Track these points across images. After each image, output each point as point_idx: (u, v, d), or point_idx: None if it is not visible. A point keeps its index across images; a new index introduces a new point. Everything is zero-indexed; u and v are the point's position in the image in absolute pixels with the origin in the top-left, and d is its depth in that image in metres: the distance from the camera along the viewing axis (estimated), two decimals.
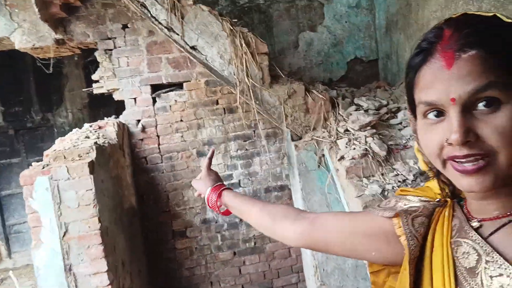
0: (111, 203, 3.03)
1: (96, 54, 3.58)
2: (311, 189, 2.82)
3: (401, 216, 0.71)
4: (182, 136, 3.64)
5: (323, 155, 2.79)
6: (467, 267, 0.58)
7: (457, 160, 0.55)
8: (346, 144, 2.60)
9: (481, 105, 0.53)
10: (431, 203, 0.73)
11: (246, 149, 3.75)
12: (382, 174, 2.32)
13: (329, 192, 2.75)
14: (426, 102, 0.57)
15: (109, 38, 3.48)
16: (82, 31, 3.44)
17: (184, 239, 3.77)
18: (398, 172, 2.29)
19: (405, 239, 0.68)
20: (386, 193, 2.17)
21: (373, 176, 2.34)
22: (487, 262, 0.56)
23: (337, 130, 2.77)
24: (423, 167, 0.74)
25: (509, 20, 0.54)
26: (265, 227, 1.00)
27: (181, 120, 3.61)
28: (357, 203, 2.21)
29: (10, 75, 5.65)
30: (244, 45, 2.77)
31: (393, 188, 2.17)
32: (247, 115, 3.56)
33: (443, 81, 0.54)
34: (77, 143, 3.07)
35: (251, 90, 2.84)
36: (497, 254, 0.55)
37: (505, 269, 0.53)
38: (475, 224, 0.62)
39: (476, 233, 0.61)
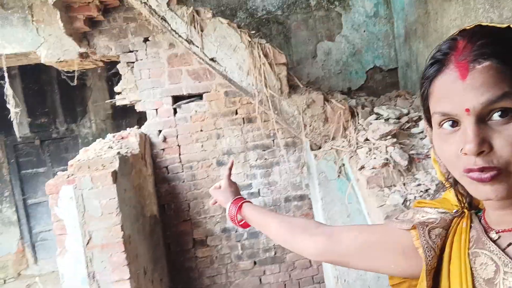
0: (133, 212, 3.09)
1: (119, 66, 3.69)
2: (331, 199, 2.82)
3: (418, 228, 0.71)
4: (202, 146, 3.69)
5: (343, 165, 2.78)
6: (485, 278, 0.58)
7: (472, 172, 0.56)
8: (367, 153, 2.59)
9: (496, 116, 0.53)
10: (449, 214, 0.73)
11: (266, 159, 3.77)
12: (404, 184, 2.30)
13: (350, 202, 2.74)
14: (441, 113, 0.58)
15: (131, 51, 3.58)
16: (105, 44, 3.54)
17: (205, 248, 3.80)
18: (420, 182, 2.27)
19: (422, 251, 0.68)
20: (408, 203, 2.14)
21: (394, 186, 2.32)
22: (505, 273, 0.56)
23: (357, 139, 2.76)
24: (440, 177, 0.74)
25: None
26: (284, 241, 1.00)
27: (201, 130, 3.67)
28: (378, 214, 2.19)
29: (36, 87, 5.86)
30: (262, 56, 2.81)
31: (415, 198, 2.14)
32: (266, 125, 3.59)
33: (457, 92, 0.55)
34: (101, 153, 3.15)
35: (269, 100, 2.86)
36: None
37: None
38: (494, 235, 0.62)
39: (494, 244, 0.61)
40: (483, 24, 0.58)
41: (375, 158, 2.44)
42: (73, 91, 5.70)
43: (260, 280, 3.84)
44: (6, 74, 3.44)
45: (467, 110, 0.54)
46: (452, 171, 0.61)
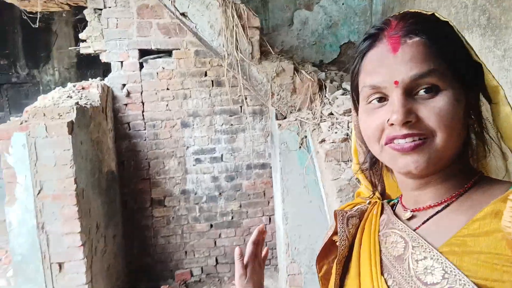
0: (89, 166, 3.01)
1: (85, 12, 3.49)
2: (290, 169, 2.83)
3: (338, 215, 0.73)
4: (167, 105, 3.60)
5: (305, 137, 2.79)
6: (396, 255, 0.60)
7: (395, 140, 0.57)
8: (329, 127, 2.60)
9: (422, 91, 0.56)
10: (363, 205, 0.76)
11: (231, 124, 3.73)
12: None
13: (308, 173, 2.77)
14: (371, 85, 0.59)
15: None
16: None
17: (162, 208, 3.79)
18: None
19: (338, 239, 0.69)
20: None
21: (351, 161, 2.35)
22: (413, 247, 0.58)
23: (321, 112, 2.76)
24: (355, 168, 0.78)
25: (445, 19, 0.59)
26: None
27: (167, 89, 3.56)
28: (332, 187, 2.22)
29: None
30: (235, 16, 2.71)
31: None
32: (235, 90, 3.53)
33: (388, 65, 0.57)
34: (59, 102, 3.01)
35: (239, 64, 2.80)
36: (423, 239, 0.57)
37: (429, 252, 0.55)
38: (407, 214, 0.64)
39: (402, 223, 0.63)
40: (412, 10, 0.61)
41: (336, 132, 2.45)
42: (37, 35, 5.38)
43: (215, 242, 3.88)
44: None
45: (396, 82, 0.56)
46: (372, 146, 0.62)
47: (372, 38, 0.61)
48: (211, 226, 3.87)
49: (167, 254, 3.84)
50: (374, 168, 0.74)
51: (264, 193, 3.86)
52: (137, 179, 3.70)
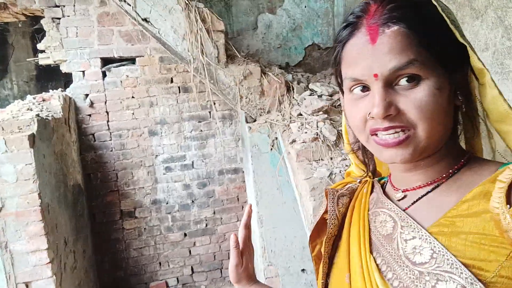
0: (53, 180, 2.89)
1: (43, 22, 3.36)
2: (262, 172, 2.82)
3: (329, 194, 0.73)
4: (133, 114, 3.51)
5: (276, 138, 2.79)
6: (385, 234, 0.60)
7: (378, 133, 0.57)
8: (299, 128, 2.61)
9: (403, 81, 0.55)
10: (354, 183, 0.76)
11: (201, 130, 3.69)
12: (331, 158, 2.35)
13: (280, 175, 2.77)
14: (352, 78, 0.58)
15: (57, 6, 3.27)
16: None
17: (133, 220, 3.68)
18: (346, 157, 2.33)
19: (328, 218, 0.70)
20: (333, 176, 2.20)
21: (322, 160, 2.37)
22: (402, 227, 0.58)
23: (290, 113, 2.77)
24: (346, 146, 0.78)
25: None
26: None
27: (133, 97, 3.48)
28: (305, 186, 2.23)
29: None
30: (199, 20, 2.69)
31: (340, 172, 2.21)
32: (203, 96, 3.49)
33: (367, 57, 0.56)
34: (18, 115, 2.88)
35: (205, 69, 2.77)
36: (411, 219, 0.58)
37: (418, 232, 0.56)
38: (399, 195, 0.64)
39: (391, 202, 0.63)
40: None
41: (306, 132, 2.47)
42: None
43: (190, 251, 3.81)
44: None
45: (375, 75, 0.55)
46: (359, 136, 0.62)
47: (352, 27, 0.59)
48: (185, 235, 3.79)
49: (140, 266, 3.73)
50: (364, 148, 0.74)
51: (238, 198, 3.83)
52: (105, 191, 3.59)
